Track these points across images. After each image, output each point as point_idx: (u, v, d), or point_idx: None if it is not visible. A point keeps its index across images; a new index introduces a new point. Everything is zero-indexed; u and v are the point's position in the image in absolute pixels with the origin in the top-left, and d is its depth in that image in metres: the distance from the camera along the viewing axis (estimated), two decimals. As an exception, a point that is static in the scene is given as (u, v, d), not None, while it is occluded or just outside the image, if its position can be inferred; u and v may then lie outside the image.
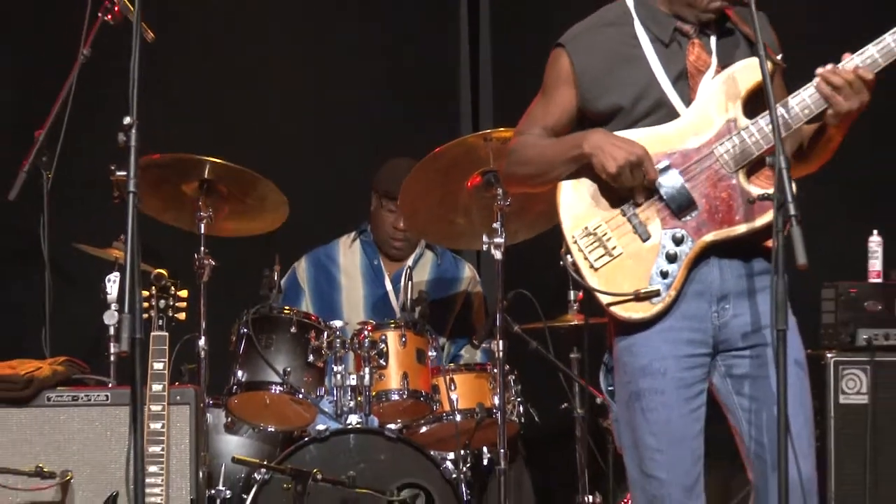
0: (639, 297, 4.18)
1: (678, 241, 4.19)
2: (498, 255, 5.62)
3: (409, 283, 6.15)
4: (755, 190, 4.14)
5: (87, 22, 5.74)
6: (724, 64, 4.25)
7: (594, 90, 4.31)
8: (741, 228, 4.18)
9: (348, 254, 6.55)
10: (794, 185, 3.92)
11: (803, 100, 4.15)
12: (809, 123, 4.21)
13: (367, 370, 5.73)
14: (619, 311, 4.20)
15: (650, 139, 4.21)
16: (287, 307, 5.95)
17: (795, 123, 4.16)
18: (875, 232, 6.07)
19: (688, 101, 4.25)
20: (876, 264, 6.06)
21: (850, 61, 4.10)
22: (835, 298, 5.98)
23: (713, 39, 4.28)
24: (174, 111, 6.57)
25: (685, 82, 4.26)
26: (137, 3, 4.16)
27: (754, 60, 4.15)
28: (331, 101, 7.27)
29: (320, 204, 6.69)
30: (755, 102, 4.18)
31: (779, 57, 4.26)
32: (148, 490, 5.17)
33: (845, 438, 5.86)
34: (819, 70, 4.10)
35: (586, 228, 4.26)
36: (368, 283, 6.51)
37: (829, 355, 5.89)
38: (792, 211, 3.88)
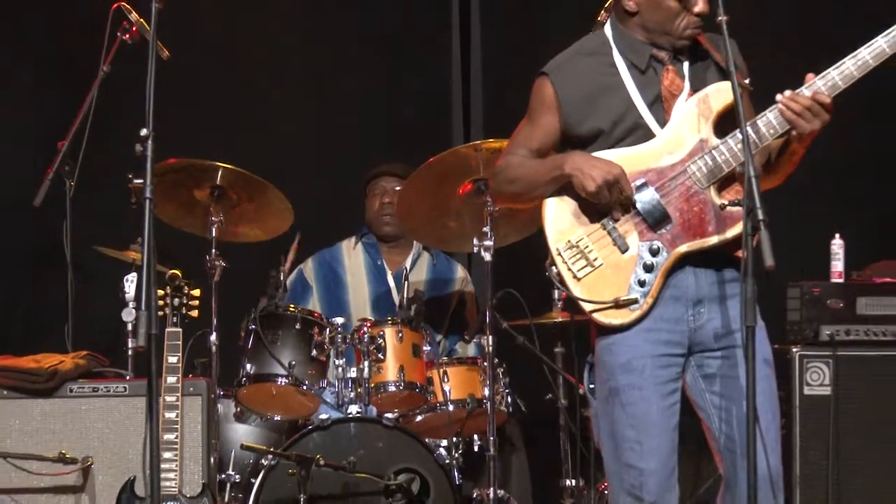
0: (618, 305, 4.21)
1: (654, 253, 4.22)
2: (487, 256, 5.65)
3: (406, 282, 6.19)
4: (726, 204, 4.16)
5: (107, 41, 5.74)
6: (695, 87, 4.28)
7: (576, 116, 4.32)
8: (713, 240, 4.21)
9: (352, 255, 6.55)
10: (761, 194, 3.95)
11: (769, 121, 4.17)
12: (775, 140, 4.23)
13: (366, 363, 5.74)
14: (600, 317, 4.24)
15: (627, 159, 4.23)
16: (292, 305, 5.94)
17: (763, 142, 4.18)
18: (837, 236, 6.06)
19: (663, 122, 4.27)
20: (838, 265, 6.05)
21: (812, 84, 4.12)
22: (800, 297, 5.97)
23: (686, 65, 4.31)
24: (188, 120, 6.57)
25: (660, 105, 4.28)
26: (153, 23, 4.16)
27: (725, 84, 4.17)
28: (332, 114, 7.27)
29: (321, 209, 6.67)
30: (725, 123, 4.21)
31: (746, 81, 4.27)
32: (163, 475, 5.19)
33: (809, 427, 5.82)
34: (778, 97, 4.13)
35: (569, 241, 4.28)
36: (372, 281, 6.50)
37: (794, 350, 5.87)
38: (760, 216, 3.90)
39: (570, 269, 4.27)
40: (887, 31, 4.14)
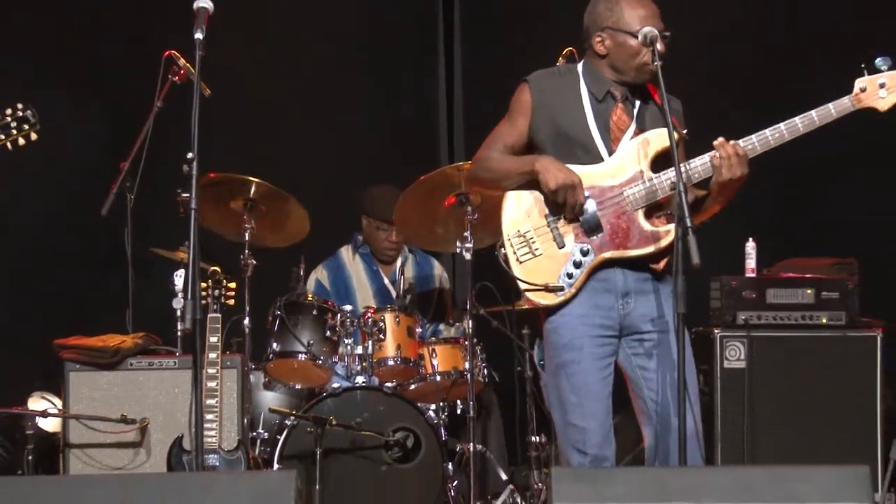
0: (548, 289, 4.25)
1: (584, 253, 4.26)
2: (468, 256, 5.64)
3: (402, 277, 6.24)
4: (648, 226, 4.20)
5: (160, 81, 5.74)
6: (640, 127, 4.29)
7: (539, 122, 4.33)
8: (631, 252, 4.25)
9: (353, 264, 6.48)
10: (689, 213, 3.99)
11: (696, 165, 4.21)
12: (698, 187, 4.27)
13: (370, 342, 5.74)
14: (531, 296, 4.28)
15: (581, 174, 4.25)
16: (310, 295, 5.95)
17: (691, 181, 4.21)
18: (750, 239, 6.10)
19: (610, 150, 4.28)
20: (751, 263, 6.07)
21: (748, 139, 4.17)
22: (720, 289, 6.00)
23: (637, 106, 4.32)
24: (224, 144, 6.55)
25: (608, 134, 4.29)
26: (197, 67, 4.19)
27: (664, 130, 4.21)
28: (336, 139, 7.21)
29: (327, 219, 6.60)
30: (659, 162, 4.23)
31: (684, 131, 4.32)
32: (205, 432, 5.24)
33: (728, 394, 5.85)
34: (716, 142, 4.18)
35: (518, 231, 4.31)
36: (372, 282, 6.45)
37: (716, 331, 5.89)
38: (688, 223, 3.96)
39: (514, 254, 4.30)
40: (819, 109, 4.18)
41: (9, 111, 4.36)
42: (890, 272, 6.48)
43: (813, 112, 4.18)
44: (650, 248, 4.20)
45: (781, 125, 4.18)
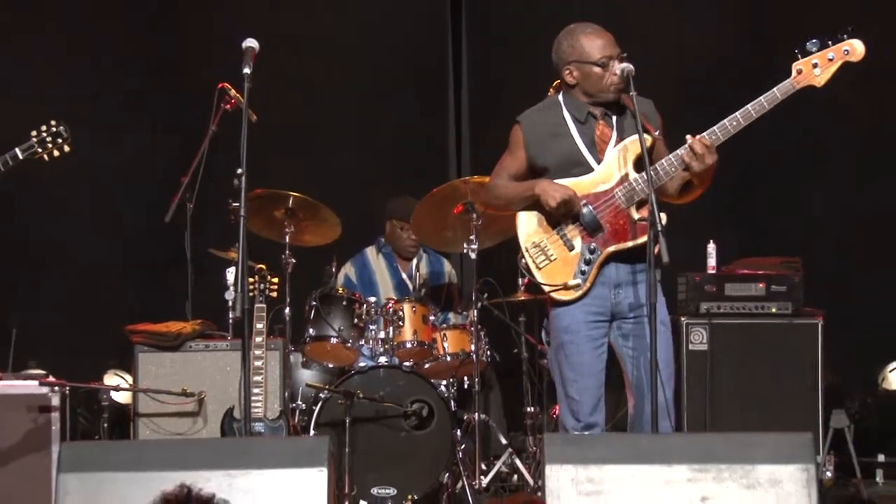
0: (566, 287, 4.24)
1: (592, 251, 4.25)
2: (473, 255, 5.64)
3: (417, 274, 6.22)
4: (641, 220, 4.19)
5: (214, 109, 5.73)
6: (621, 136, 4.28)
7: (534, 152, 4.35)
8: (631, 243, 4.24)
9: (377, 262, 6.43)
10: (661, 214, 4.00)
11: (671, 161, 4.19)
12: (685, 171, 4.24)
13: (391, 328, 5.71)
14: (555, 295, 4.27)
15: (576, 185, 4.26)
16: (341, 288, 5.93)
17: (667, 175, 4.21)
18: (711, 241, 6.09)
19: (597, 160, 4.28)
20: (711, 262, 6.06)
21: (711, 131, 4.13)
22: (686, 283, 5.98)
23: (615, 118, 4.31)
24: (268, 161, 6.53)
25: (594, 148, 4.29)
26: (245, 98, 4.23)
27: (633, 138, 4.20)
28: (360, 157, 7.15)
29: (354, 224, 6.54)
30: (641, 162, 4.19)
31: (657, 133, 4.29)
32: (253, 404, 5.22)
33: (692, 374, 5.83)
34: (687, 138, 4.15)
35: (534, 242, 4.31)
36: (392, 277, 6.40)
37: (682, 319, 5.87)
38: (659, 228, 3.98)
39: (533, 262, 4.29)
40: (766, 94, 4.14)
41: (44, 128, 4.34)
42: (828, 269, 6.46)
43: (762, 97, 4.14)
44: (644, 238, 4.15)
45: (737, 113, 4.15)
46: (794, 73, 4.17)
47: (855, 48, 4.15)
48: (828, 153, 6.70)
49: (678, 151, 4.18)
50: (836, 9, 6.51)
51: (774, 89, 4.14)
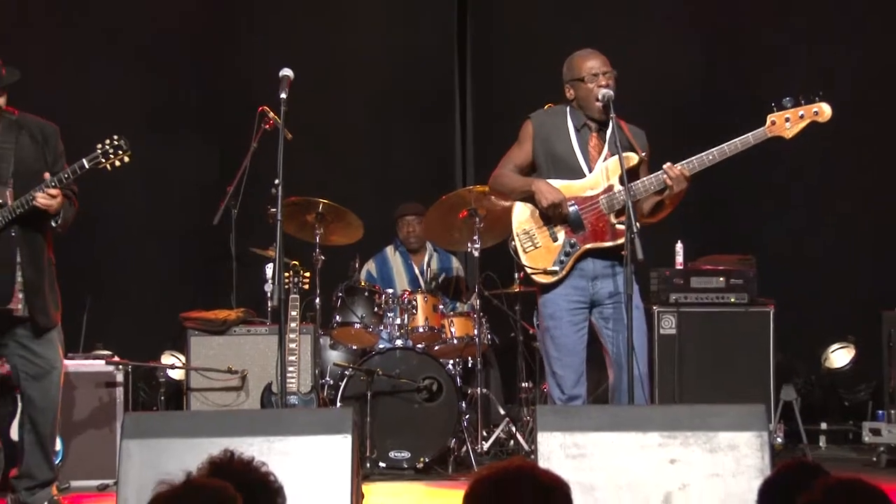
0: (546, 272, 4.23)
1: (572, 245, 4.23)
2: (476, 253, 5.65)
3: (428, 269, 6.21)
4: (619, 225, 4.18)
5: (256, 128, 5.71)
6: (611, 150, 4.24)
7: (539, 148, 4.31)
8: (607, 244, 4.23)
9: (394, 259, 6.40)
10: (636, 221, 4.00)
11: (651, 180, 4.18)
12: (657, 194, 4.24)
13: (406, 316, 5.71)
14: (535, 277, 4.25)
15: (568, 187, 4.24)
16: (363, 281, 5.91)
17: (647, 191, 4.20)
18: (679, 241, 6.07)
19: (589, 168, 4.26)
20: (679, 259, 6.03)
21: (688, 161, 4.13)
22: (657, 277, 5.96)
23: (608, 132, 4.26)
24: (301, 172, 6.49)
25: (588, 156, 4.28)
26: (282, 119, 4.23)
27: (627, 154, 4.18)
28: (381, 168, 7.11)
29: (375, 226, 6.50)
30: (628, 175, 4.16)
31: (643, 154, 4.27)
32: (287, 381, 5.20)
33: (663, 355, 5.80)
34: (665, 166, 4.15)
35: (524, 229, 4.28)
36: (407, 272, 6.37)
37: (654, 308, 5.85)
38: (634, 230, 3.97)
39: (521, 246, 4.27)
40: (741, 137, 4.14)
41: (107, 141, 4.31)
42: (779, 264, 6.43)
43: (737, 139, 4.14)
44: (619, 241, 4.15)
45: (714, 150, 4.15)
46: (768, 122, 4.17)
47: (823, 110, 4.16)
48: (780, 165, 6.66)
49: (657, 174, 4.18)
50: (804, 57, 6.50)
51: (749, 134, 4.14)
